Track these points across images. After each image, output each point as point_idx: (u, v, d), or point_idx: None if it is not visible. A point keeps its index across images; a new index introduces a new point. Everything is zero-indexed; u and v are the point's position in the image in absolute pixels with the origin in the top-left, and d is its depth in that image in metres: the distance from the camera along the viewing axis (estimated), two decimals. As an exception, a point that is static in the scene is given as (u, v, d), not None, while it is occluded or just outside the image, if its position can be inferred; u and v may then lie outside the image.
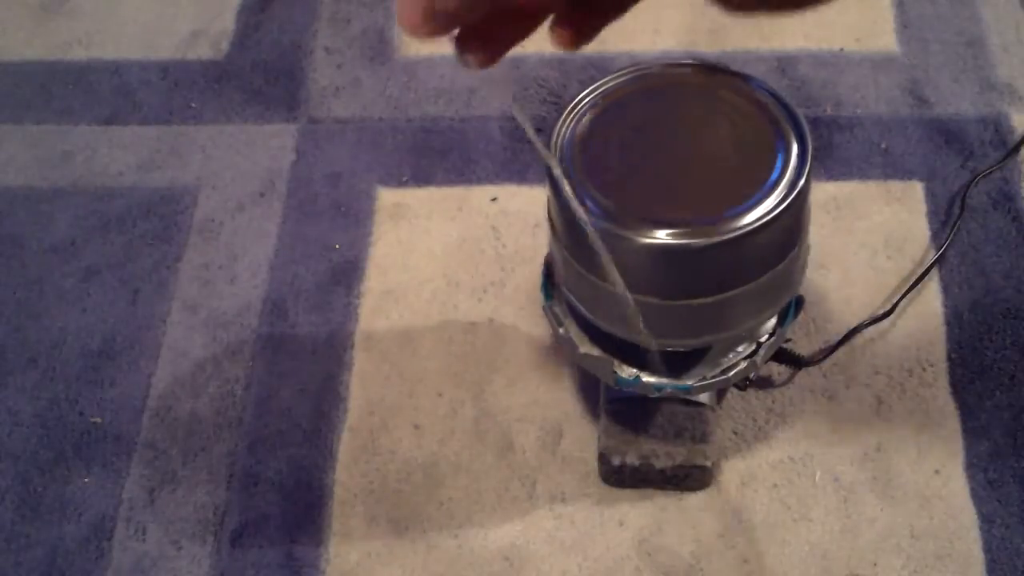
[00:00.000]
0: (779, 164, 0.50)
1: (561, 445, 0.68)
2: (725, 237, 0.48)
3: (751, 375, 0.60)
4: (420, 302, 0.75)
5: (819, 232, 0.76)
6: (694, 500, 0.65)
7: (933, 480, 0.65)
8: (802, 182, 0.50)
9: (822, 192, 0.79)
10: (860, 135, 0.82)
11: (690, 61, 0.55)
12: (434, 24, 0.37)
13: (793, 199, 0.49)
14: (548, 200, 0.55)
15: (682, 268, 0.51)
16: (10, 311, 0.77)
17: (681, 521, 0.65)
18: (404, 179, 0.82)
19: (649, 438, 0.63)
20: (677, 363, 0.58)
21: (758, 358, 0.58)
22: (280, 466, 0.68)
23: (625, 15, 0.42)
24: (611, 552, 0.64)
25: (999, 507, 0.64)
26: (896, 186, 0.79)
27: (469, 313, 0.74)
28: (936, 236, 0.76)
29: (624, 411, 0.63)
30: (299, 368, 0.72)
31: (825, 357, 0.69)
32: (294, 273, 0.77)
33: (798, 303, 0.60)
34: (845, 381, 0.70)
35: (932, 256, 0.74)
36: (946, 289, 0.73)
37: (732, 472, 0.66)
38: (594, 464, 0.66)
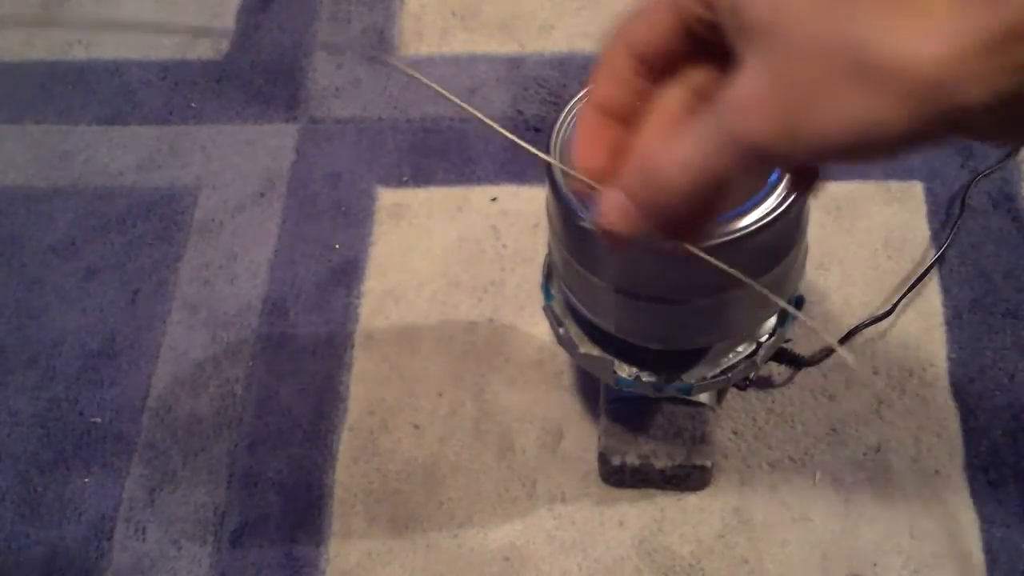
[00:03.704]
0: (779, 164, 0.50)
1: (561, 445, 0.68)
2: (725, 239, 0.48)
3: (751, 375, 0.60)
4: (420, 302, 0.75)
5: (819, 232, 0.76)
6: (694, 500, 0.65)
7: (933, 480, 0.65)
8: (802, 182, 0.49)
9: (822, 192, 0.78)
10: (860, 135, 0.82)
11: None
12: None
13: (793, 200, 0.49)
14: (547, 199, 0.55)
15: (681, 269, 0.50)
16: (10, 311, 0.77)
17: (681, 521, 0.65)
18: (404, 179, 0.82)
19: (649, 438, 0.63)
20: (677, 363, 0.58)
21: (758, 358, 0.58)
22: (280, 466, 0.68)
23: None
24: (611, 552, 0.64)
25: (999, 507, 0.64)
26: (896, 186, 0.79)
27: (469, 313, 0.74)
28: (936, 236, 0.76)
29: (624, 411, 0.63)
30: (299, 368, 0.72)
31: (825, 357, 0.69)
32: (294, 273, 0.77)
33: (798, 303, 0.59)
34: (845, 381, 0.70)
35: (932, 256, 0.74)
36: (946, 289, 0.73)
37: (732, 472, 0.66)
38: (594, 464, 0.66)
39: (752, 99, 0.29)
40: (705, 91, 0.34)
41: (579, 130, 0.37)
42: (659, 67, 0.35)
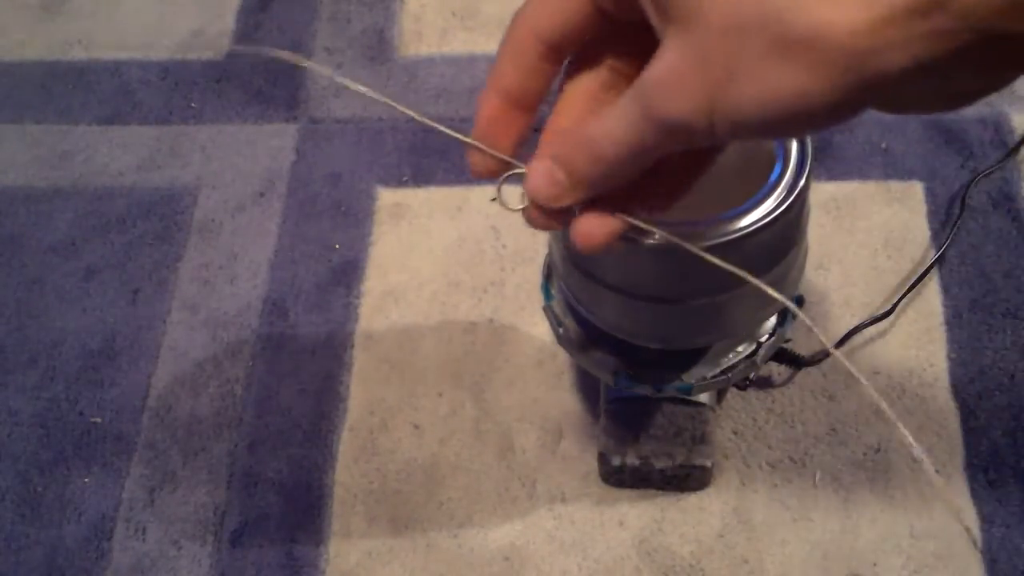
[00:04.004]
0: (779, 164, 0.50)
1: (561, 445, 0.68)
2: (725, 239, 0.48)
3: (751, 375, 0.60)
4: (420, 302, 0.75)
5: (819, 232, 0.76)
6: (694, 500, 0.65)
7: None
8: (802, 183, 0.50)
9: (822, 192, 0.79)
10: (860, 135, 0.82)
11: None
12: (577, 196, 0.35)
13: (793, 200, 0.49)
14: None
15: (681, 269, 0.50)
16: (10, 311, 0.77)
17: (681, 521, 0.65)
18: (404, 179, 0.82)
19: (649, 438, 0.63)
20: (677, 363, 0.58)
21: (758, 358, 0.58)
22: (280, 466, 0.68)
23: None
24: (611, 552, 0.64)
25: (999, 507, 0.64)
26: (896, 186, 0.79)
27: (469, 313, 0.74)
28: (936, 236, 0.76)
29: (624, 411, 0.63)
30: (299, 368, 0.72)
31: (825, 357, 0.69)
32: (294, 273, 0.77)
33: (798, 303, 0.59)
34: (845, 381, 0.69)
35: (932, 256, 0.74)
36: (946, 289, 0.73)
37: (732, 472, 0.66)
38: (594, 464, 0.66)
39: (672, 77, 0.30)
40: (622, 69, 0.35)
41: (481, 115, 0.37)
42: (567, 51, 0.35)
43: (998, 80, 0.28)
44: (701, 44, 0.29)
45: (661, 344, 0.56)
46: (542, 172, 0.35)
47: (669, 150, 0.32)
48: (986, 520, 0.63)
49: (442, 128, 0.39)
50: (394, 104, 0.39)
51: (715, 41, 0.28)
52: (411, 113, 0.39)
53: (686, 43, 0.29)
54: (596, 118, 0.33)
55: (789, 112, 0.28)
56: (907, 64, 0.26)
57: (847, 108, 0.28)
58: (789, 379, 0.70)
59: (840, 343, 0.70)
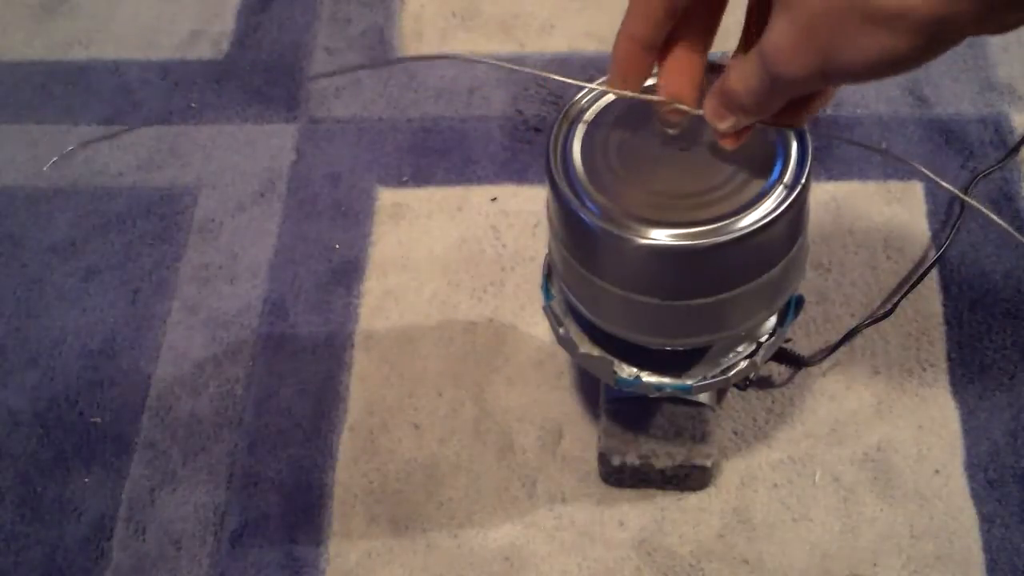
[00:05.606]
0: (779, 164, 0.50)
1: (561, 445, 0.68)
2: (725, 238, 0.48)
3: (751, 375, 0.60)
4: (420, 302, 0.75)
5: (819, 232, 0.76)
6: (694, 500, 0.65)
7: (933, 480, 0.65)
8: (802, 183, 0.50)
9: (822, 192, 0.79)
10: (860, 135, 0.82)
11: None
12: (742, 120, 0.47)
13: (793, 200, 0.49)
14: (547, 199, 0.55)
15: (682, 269, 0.51)
16: (10, 311, 0.77)
17: (681, 521, 0.65)
18: (404, 179, 0.82)
19: (649, 438, 0.63)
20: (677, 363, 0.58)
21: (758, 358, 0.58)
22: (280, 466, 0.68)
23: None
24: (611, 552, 0.64)
25: (999, 507, 0.64)
26: (896, 186, 0.79)
27: (469, 313, 0.74)
28: (936, 236, 0.76)
29: (624, 411, 0.63)
30: (299, 368, 0.72)
31: (825, 357, 0.69)
32: (294, 273, 0.77)
33: (798, 303, 0.59)
34: (845, 381, 0.70)
35: (932, 256, 0.74)
36: (946, 289, 0.73)
37: (732, 472, 0.66)
38: (594, 464, 0.66)
39: (786, 46, 0.40)
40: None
41: (617, 54, 0.48)
42: (683, 5, 0.46)
43: None
44: (807, 21, 0.38)
45: (661, 344, 0.56)
46: (711, 109, 0.47)
47: (794, 95, 0.43)
48: (986, 520, 0.63)
49: (575, 81, 0.52)
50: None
51: (818, 18, 0.38)
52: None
53: (794, 19, 0.39)
54: (732, 72, 0.44)
55: (883, 64, 0.37)
56: (971, 17, 0.35)
57: (928, 56, 0.37)
58: (789, 379, 0.70)
59: (840, 343, 0.70)
